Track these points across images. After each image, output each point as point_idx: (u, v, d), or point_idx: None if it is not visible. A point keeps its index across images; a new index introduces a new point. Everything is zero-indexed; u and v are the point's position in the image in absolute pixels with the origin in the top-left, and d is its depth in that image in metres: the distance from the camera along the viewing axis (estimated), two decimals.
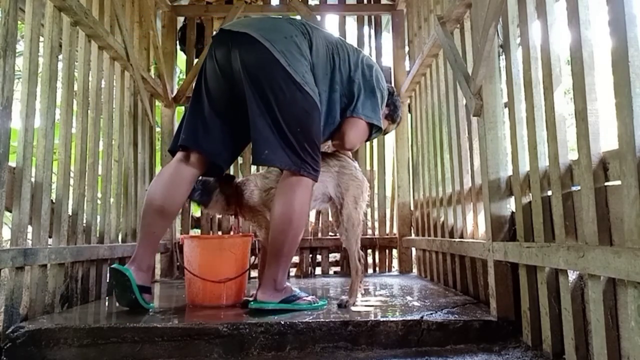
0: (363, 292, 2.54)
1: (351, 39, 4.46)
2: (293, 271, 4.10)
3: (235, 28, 2.14)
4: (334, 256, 4.44)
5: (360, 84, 2.25)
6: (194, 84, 2.36)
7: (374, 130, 2.34)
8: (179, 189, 2.21)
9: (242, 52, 2.06)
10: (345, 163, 2.36)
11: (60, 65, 2.50)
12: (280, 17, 2.28)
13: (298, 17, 2.26)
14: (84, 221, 2.65)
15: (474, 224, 2.50)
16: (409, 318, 1.93)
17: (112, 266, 2.22)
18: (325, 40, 2.24)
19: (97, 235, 2.79)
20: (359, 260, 2.31)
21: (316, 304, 2.18)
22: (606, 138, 1.46)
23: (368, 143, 4.30)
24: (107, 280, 2.85)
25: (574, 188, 1.59)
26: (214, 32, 2.24)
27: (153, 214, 2.17)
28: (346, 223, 2.29)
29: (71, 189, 2.56)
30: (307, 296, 2.21)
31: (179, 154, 2.26)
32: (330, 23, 5.86)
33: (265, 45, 2.02)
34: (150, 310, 2.18)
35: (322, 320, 1.89)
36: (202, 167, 2.27)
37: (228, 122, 2.24)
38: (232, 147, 2.32)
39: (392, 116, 2.59)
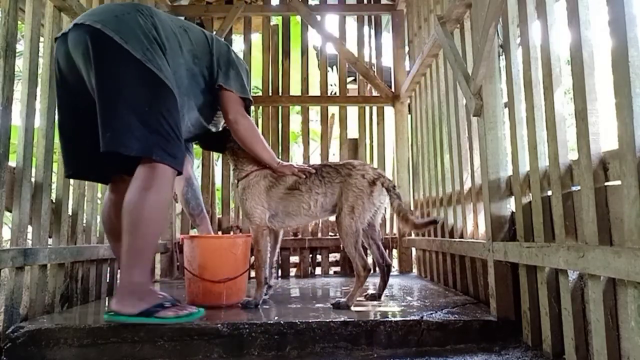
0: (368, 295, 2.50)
1: (351, 39, 4.47)
2: (293, 271, 4.10)
3: (66, 29, 1.97)
4: (334, 256, 4.44)
5: (220, 58, 2.21)
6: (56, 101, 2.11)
7: (245, 101, 2.26)
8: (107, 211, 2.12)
9: (76, 45, 1.88)
10: (353, 172, 2.30)
11: None
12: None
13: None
14: (84, 221, 2.65)
15: (474, 224, 2.50)
16: (409, 318, 1.93)
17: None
18: (168, 18, 2.13)
19: (97, 235, 2.79)
20: (364, 268, 2.22)
21: (186, 315, 1.87)
22: (606, 138, 1.46)
23: (368, 143, 4.31)
24: (107, 281, 2.86)
25: (574, 188, 1.59)
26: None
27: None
28: (340, 231, 2.28)
29: (71, 189, 2.56)
30: (175, 306, 1.89)
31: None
32: (330, 23, 5.87)
33: (97, 27, 1.84)
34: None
35: (322, 320, 1.89)
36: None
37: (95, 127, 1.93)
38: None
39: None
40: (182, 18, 2.19)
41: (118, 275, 2.12)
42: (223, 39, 2.34)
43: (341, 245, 2.52)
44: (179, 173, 1.96)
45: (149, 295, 1.85)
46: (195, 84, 2.14)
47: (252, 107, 4.33)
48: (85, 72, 1.88)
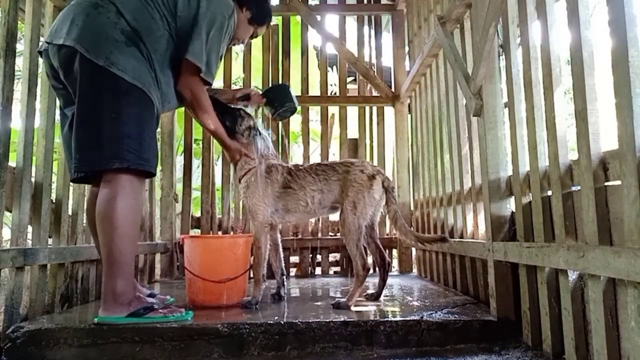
0: (368, 296, 2.49)
1: (351, 39, 4.47)
2: (293, 271, 4.10)
3: (43, 47, 1.95)
4: (334, 256, 4.44)
5: (185, 17, 2.01)
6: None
7: (204, 70, 2.05)
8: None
9: (53, 62, 1.90)
10: (350, 168, 2.33)
11: None
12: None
13: None
14: (84, 221, 2.65)
15: (474, 224, 2.50)
16: (409, 318, 1.93)
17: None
18: None
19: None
20: (364, 267, 2.23)
21: (175, 316, 1.92)
22: (606, 138, 1.46)
23: (368, 143, 4.31)
24: None
25: (574, 188, 1.59)
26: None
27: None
28: (343, 228, 2.29)
29: (71, 189, 2.56)
30: (163, 307, 1.97)
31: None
32: (330, 23, 5.87)
33: (59, 43, 1.83)
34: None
35: (322, 320, 1.89)
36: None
37: None
38: None
39: (257, 19, 2.36)
40: None
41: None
42: None
43: (342, 244, 2.51)
44: (152, 175, 1.98)
45: (135, 300, 1.89)
46: (176, 50, 2.03)
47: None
48: (67, 84, 1.91)
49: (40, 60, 2.27)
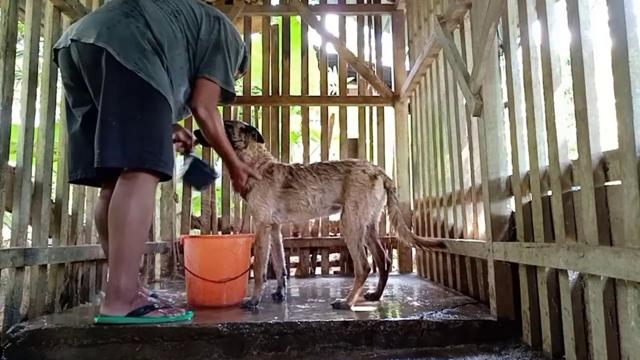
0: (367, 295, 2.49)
1: (351, 39, 4.47)
2: (293, 271, 4.10)
3: (62, 44, 2.00)
4: (334, 256, 4.44)
5: (205, 40, 2.14)
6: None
7: (226, 93, 2.20)
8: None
9: (78, 59, 1.94)
10: (352, 168, 2.33)
11: None
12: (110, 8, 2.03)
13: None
14: (84, 221, 2.65)
15: (474, 224, 2.50)
16: (409, 318, 1.93)
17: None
18: (157, 8, 2.06)
19: (97, 235, 2.78)
20: (364, 267, 2.23)
21: (175, 316, 1.93)
22: (606, 138, 1.46)
23: (368, 143, 4.31)
24: (107, 281, 2.85)
25: (574, 188, 1.59)
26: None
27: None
28: (344, 227, 2.28)
29: (71, 188, 2.56)
30: (164, 307, 1.97)
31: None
32: (330, 23, 5.87)
33: (90, 42, 1.88)
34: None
35: (322, 320, 1.89)
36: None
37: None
38: None
39: (242, 66, 2.50)
40: None
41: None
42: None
43: (342, 244, 2.50)
44: (169, 177, 2.01)
45: (137, 298, 1.90)
46: (188, 69, 2.13)
47: (253, 107, 4.36)
48: (87, 83, 1.95)
49: (41, 60, 2.30)
